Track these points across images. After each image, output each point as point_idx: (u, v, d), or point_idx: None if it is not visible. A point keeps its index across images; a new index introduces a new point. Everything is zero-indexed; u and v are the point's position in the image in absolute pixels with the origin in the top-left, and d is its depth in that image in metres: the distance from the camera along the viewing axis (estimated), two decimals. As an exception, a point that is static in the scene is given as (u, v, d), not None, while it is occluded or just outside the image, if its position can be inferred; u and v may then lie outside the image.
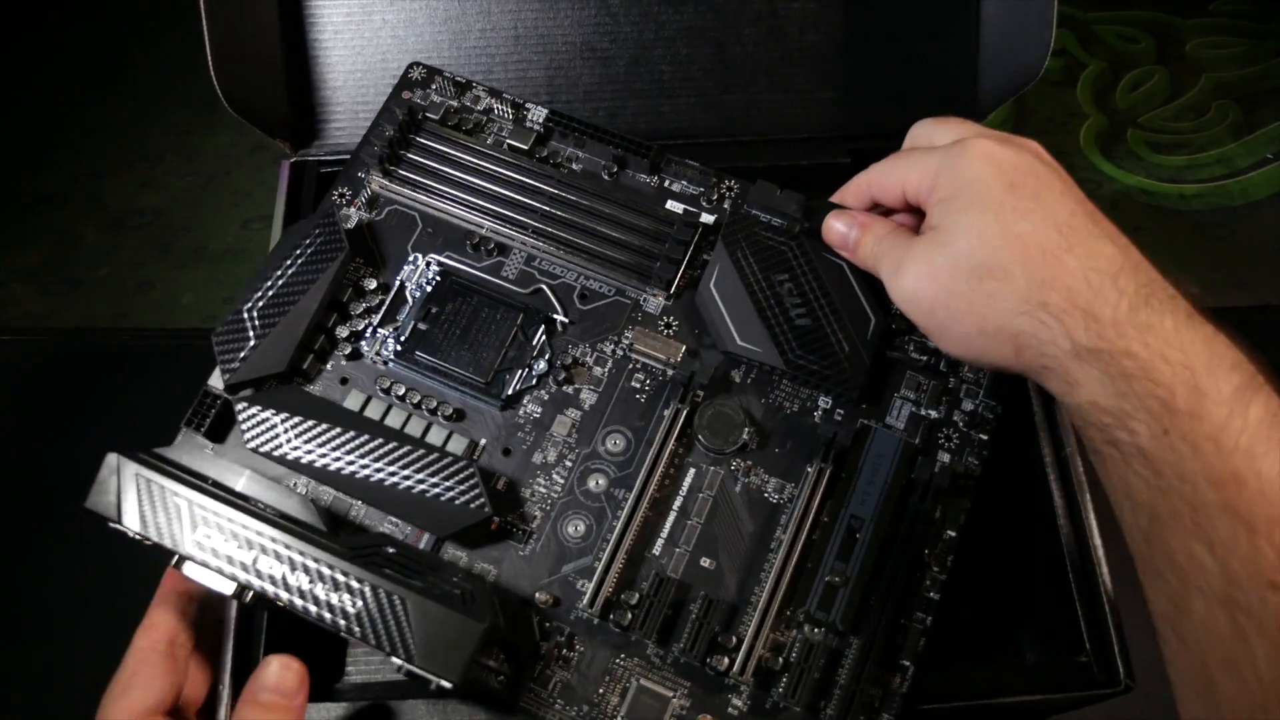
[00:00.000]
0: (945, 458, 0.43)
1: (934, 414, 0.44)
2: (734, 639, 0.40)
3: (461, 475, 0.41)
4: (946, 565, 0.41)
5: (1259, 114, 1.22)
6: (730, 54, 0.60)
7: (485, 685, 0.39)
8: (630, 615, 0.40)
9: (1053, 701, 0.43)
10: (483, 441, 0.44)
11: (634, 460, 0.44)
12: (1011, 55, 0.58)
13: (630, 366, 0.45)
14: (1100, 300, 0.36)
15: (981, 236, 0.38)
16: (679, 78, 0.60)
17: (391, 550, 0.38)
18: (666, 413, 0.44)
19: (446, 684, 0.35)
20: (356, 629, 0.35)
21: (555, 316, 0.46)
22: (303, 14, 0.57)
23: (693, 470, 0.43)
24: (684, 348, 0.46)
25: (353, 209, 0.48)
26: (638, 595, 0.40)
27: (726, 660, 0.39)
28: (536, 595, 0.41)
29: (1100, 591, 0.44)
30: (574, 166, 0.49)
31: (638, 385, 0.45)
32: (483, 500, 0.40)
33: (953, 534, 0.41)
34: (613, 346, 0.46)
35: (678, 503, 0.43)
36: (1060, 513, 0.46)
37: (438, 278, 0.47)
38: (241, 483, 0.41)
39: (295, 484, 0.43)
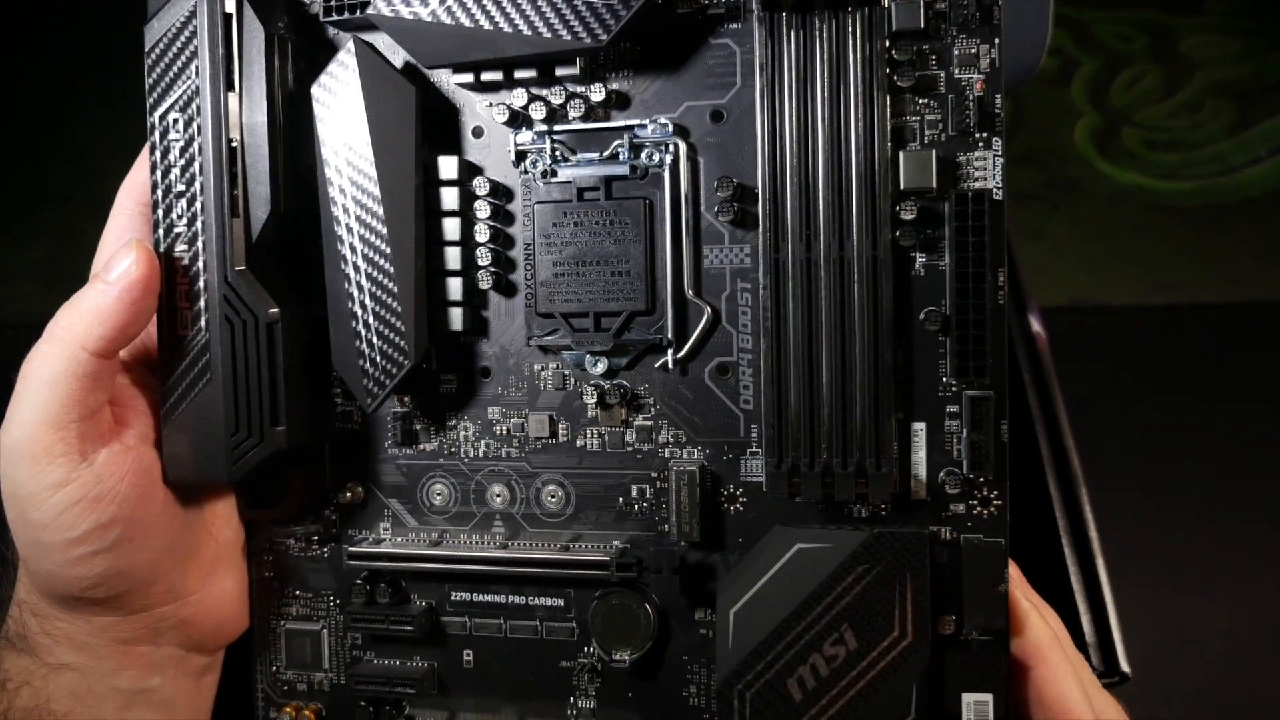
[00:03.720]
0: None
1: None
2: None
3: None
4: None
5: (1253, 112, 1.23)
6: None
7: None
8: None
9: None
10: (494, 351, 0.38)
11: (540, 522, 0.38)
12: (1008, 52, 0.58)
13: (657, 476, 0.37)
14: None
15: None
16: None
17: None
18: (612, 546, 0.37)
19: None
20: None
21: (669, 350, 0.36)
22: (309, 14, 0.58)
23: (557, 601, 0.38)
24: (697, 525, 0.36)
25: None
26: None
27: None
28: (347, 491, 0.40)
29: (1100, 584, 0.45)
30: None
31: (636, 494, 0.37)
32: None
33: None
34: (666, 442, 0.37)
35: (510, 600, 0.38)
36: (1057, 506, 0.47)
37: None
38: None
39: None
